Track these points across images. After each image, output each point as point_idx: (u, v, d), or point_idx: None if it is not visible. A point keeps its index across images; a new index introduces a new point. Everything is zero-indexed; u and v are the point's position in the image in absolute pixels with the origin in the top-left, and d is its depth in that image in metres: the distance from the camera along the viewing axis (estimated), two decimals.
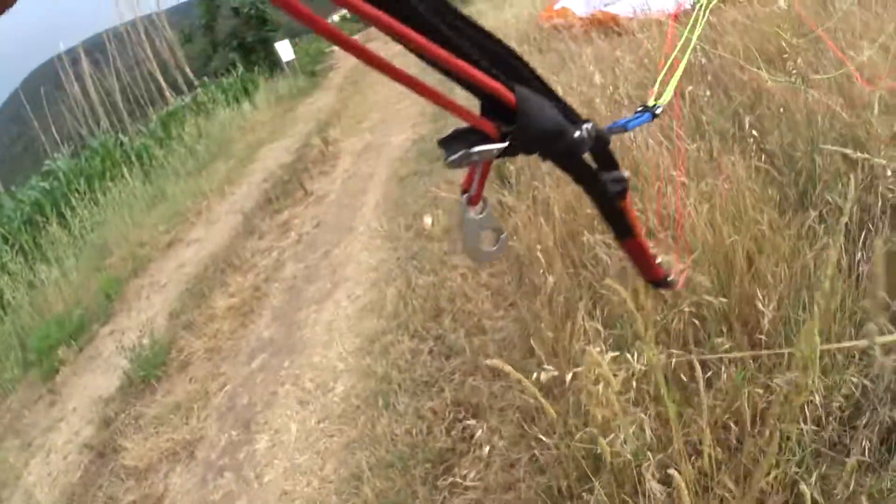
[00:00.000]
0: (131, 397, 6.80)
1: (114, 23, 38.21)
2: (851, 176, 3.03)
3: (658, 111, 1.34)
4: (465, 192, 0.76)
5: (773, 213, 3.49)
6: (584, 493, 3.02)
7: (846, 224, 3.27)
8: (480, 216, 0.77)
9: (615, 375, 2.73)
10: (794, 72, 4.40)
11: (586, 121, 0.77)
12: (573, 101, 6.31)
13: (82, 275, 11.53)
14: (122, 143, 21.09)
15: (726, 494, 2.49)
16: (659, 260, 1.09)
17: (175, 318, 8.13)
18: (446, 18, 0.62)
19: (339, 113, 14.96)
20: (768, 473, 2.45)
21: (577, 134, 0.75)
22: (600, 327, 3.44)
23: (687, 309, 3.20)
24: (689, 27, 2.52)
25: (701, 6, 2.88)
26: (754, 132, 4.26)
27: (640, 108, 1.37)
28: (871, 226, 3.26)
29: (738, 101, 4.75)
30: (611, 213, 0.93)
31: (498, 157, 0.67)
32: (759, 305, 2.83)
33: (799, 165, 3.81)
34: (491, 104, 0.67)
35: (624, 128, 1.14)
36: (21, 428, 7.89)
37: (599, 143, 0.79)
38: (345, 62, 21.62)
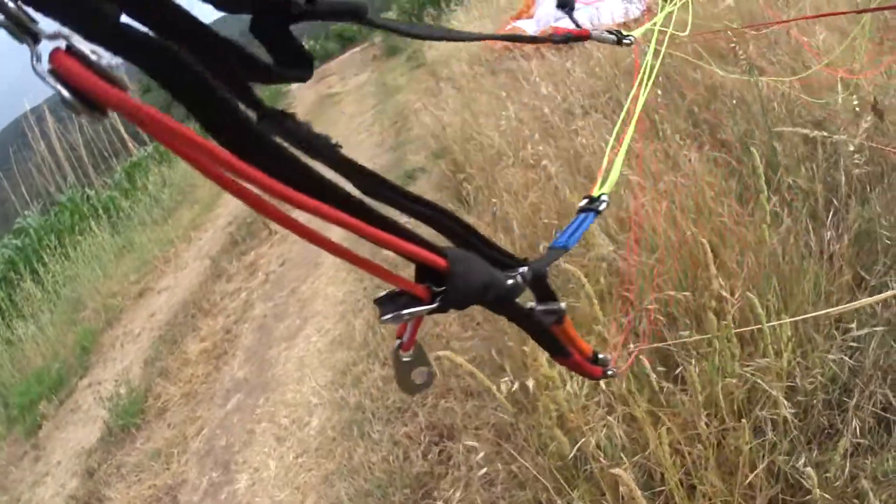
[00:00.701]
0: (112, 447, 6.72)
1: None
2: (817, 155, 3.05)
3: (602, 207, 1.33)
4: (399, 338, 0.80)
5: (734, 204, 3.47)
6: None
7: (813, 204, 3.30)
8: (411, 358, 0.81)
9: (570, 377, 2.73)
10: (745, 61, 4.41)
11: (523, 263, 0.83)
12: (526, 116, 6.35)
13: (58, 329, 11.39)
14: (88, 197, 20.92)
15: (712, 491, 2.45)
16: (602, 356, 1.14)
17: (150, 365, 8.02)
18: (378, 192, 0.67)
19: None
20: (754, 466, 2.42)
21: (510, 282, 0.79)
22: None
23: (653, 307, 3.19)
24: (650, 53, 2.49)
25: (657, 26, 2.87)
26: (709, 127, 4.28)
27: (582, 205, 1.34)
28: (837, 203, 3.27)
29: (690, 98, 4.78)
30: (544, 340, 0.97)
31: (429, 314, 0.70)
32: (724, 293, 2.80)
33: (758, 154, 3.81)
34: (424, 267, 0.70)
35: (565, 247, 1.14)
36: (8, 484, 7.80)
37: (537, 279, 0.86)
38: (302, 101, 21.51)
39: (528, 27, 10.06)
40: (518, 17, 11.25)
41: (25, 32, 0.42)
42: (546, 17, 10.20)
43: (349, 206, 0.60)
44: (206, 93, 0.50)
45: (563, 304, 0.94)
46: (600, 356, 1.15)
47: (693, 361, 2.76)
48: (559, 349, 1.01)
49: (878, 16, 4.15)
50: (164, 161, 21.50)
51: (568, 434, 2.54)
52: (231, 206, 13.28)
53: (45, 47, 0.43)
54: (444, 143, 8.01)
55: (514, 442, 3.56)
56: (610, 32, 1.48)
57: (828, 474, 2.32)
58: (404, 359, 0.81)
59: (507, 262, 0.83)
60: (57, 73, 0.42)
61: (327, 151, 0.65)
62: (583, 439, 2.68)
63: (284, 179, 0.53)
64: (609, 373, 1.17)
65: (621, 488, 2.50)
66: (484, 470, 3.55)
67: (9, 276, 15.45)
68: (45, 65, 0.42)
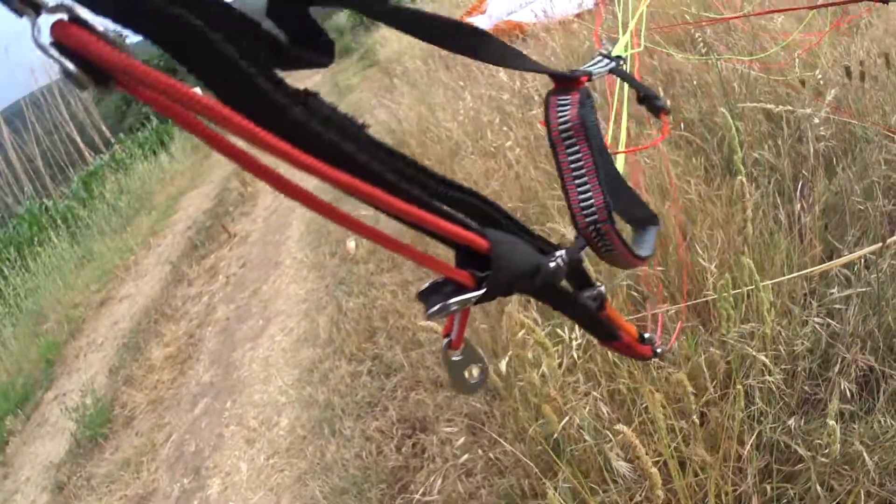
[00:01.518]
0: (81, 458, 6.53)
1: (31, 88, 37.51)
2: (782, 131, 2.99)
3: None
4: (446, 336, 0.74)
5: (699, 182, 3.44)
6: (547, 490, 2.90)
7: (780, 179, 3.27)
8: (462, 357, 0.76)
9: (553, 348, 2.62)
10: (704, 47, 4.37)
11: (557, 247, 0.78)
12: (483, 106, 6.26)
13: (21, 343, 11.14)
14: (47, 208, 20.63)
15: (701, 465, 2.36)
16: (647, 335, 1.11)
17: (115, 374, 7.81)
18: (413, 177, 0.61)
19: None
20: (742, 436, 2.35)
21: (552, 265, 0.75)
22: (538, 316, 3.28)
23: (625, 283, 3.11)
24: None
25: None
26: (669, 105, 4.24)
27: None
28: (806, 175, 3.24)
29: (648, 83, 4.71)
30: (593, 325, 0.94)
31: (476, 302, 0.65)
32: (702, 261, 2.74)
33: (720, 134, 3.76)
34: (465, 252, 0.65)
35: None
36: None
37: (573, 265, 0.80)
38: None
39: (481, 23, 9.97)
40: (470, 14, 11.17)
41: (26, 3, 0.39)
42: (498, 12, 10.17)
43: (383, 185, 0.55)
44: (229, 69, 0.45)
45: (602, 288, 0.89)
46: (646, 336, 1.12)
47: (670, 337, 2.70)
48: (608, 333, 0.97)
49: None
50: (121, 169, 21.19)
51: (548, 416, 2.41)
52: (190, 211, 13.11)
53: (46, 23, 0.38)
54: (400, 138, 7.89)
55: (489, 430, 3.47)
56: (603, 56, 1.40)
57: (819, 440, 2.26)
58: (454, 358, 0.75)
59: (543, 247, 0.77)
60: (60, 44, 0.38)
61: (353, 132, 0.57)
62: (565, 419, 2.56)
63: (314, 157, 0.49)
64: (658, 351, 1.15)
65: (614, 464, 2.41)
66: (461, 459, 3.45)
67: None
68: (46, 37, 0.38)
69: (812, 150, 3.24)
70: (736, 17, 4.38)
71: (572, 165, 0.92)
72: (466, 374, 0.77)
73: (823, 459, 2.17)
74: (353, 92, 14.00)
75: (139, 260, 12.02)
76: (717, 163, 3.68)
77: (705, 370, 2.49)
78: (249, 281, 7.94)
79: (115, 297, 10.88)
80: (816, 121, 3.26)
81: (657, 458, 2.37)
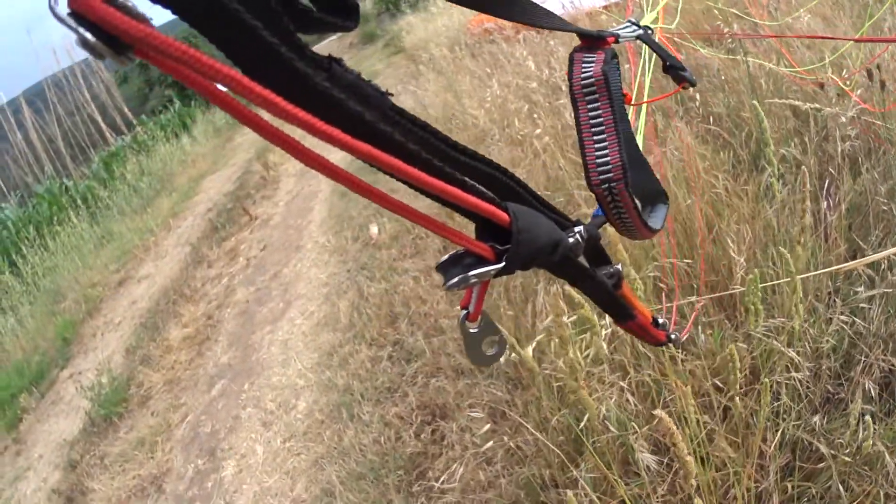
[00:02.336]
0: (95, 437, 6.55)
1: (53, 70, 37.63)
2: (809, 128, 2.96)
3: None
4: (464, 308, 0.75)
5: (726, 177, 3.40)
6: (568, 481, 2.86)
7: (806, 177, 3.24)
8: (479, 329, 0.77)
9: (581, 337, 2.58)
10: (731, 43, 4.34)
11: (577, 223, 0.80)
12: (510, 94, 6.23)
13: (38, 321, 11.19)
14: (67, 188, 20.63)
15: (725, 461, 2.33)
16: (661, 320, 1.12)
17: (132, 353, 7.85)
18: (437, 147, 0.63)
19: None
20: (765, 433, 2.32)
21: (571, 240, 0.76)
22: (564, 305, 3.23)
23: (651, 275, 3.08)
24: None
25: None
26: (695, 104, 4.22)
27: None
28: (833, 172, 3.21)
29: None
30: (609, 303, 0.94)
31: (496, 276, 0.66)
32: (732, 253, 2.72)
33: (748, 129, 3.74)
34: (485, 225, 0.67)
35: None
36: None
37: (590, 241, 0.82)
38: None
39: None
40: None
41: None
42: None
43: (405, 155, 0.55)
44: (250, 38, 0.45)
45: (619, 266, 0.91)
46: (660, 321, 1.12)
47: (699, 329, 2.69)
48: (624, 313, 0.98)
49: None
50: (142, 150, 21.25)
51: (572, 405, 2.39)
52: (211, 193, 13.13)
53: None
54: None
55: (510, 419, 3.44)
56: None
57: (840, 440, 2.25)
58: (472, 330, 0.76)
59: (562, 222, 0.79)
60: (78, 14, 0.37)
61: (377, 101, 0.59)
62: (590, 409, 2.53)
63: (336, 126, 0.48)
64: (672, 337, 1.15)
65: (638, 456, 2.39)
66: (481, 448, 3.43)
67: None
68: (64, 8, 0.37)
69: (839, 150, 3.21)
70: (770, 37, 4.34)
71: (592, 122, 0.90)
72: (484, 347, 0.77)
73: (845, 458, 2.16)
74: (378, 78, 13.95)
75: (159, 241, 12.06)
76: (745, 158, 3.66)
77: (737, 362, 2.45)
78: (270, 264, 7.94)
79: (134, 277, 10.93)
80: (843, 120, 3.25)
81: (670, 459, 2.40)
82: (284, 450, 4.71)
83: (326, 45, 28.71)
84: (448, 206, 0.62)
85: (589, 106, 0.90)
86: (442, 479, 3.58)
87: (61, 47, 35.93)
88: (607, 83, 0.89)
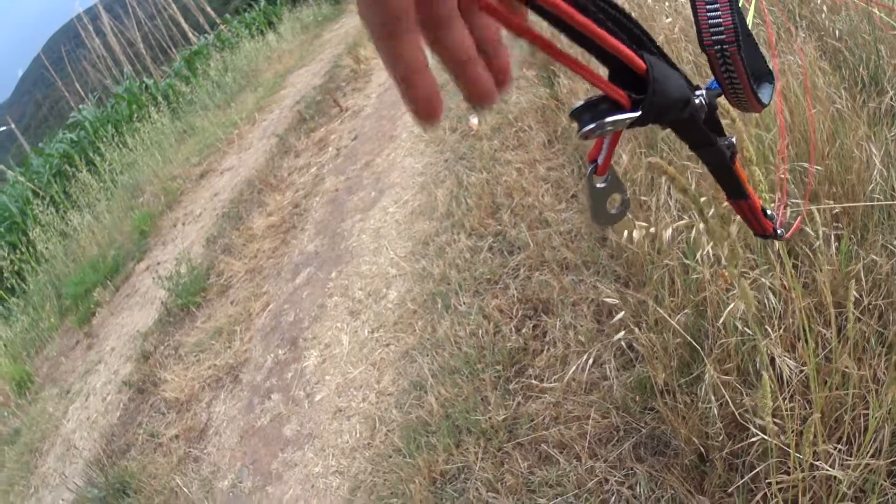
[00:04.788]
0: (170, 327, 6.63)
1: None
2: None
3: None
4: (592, 161, 0.77)
5: (847, 95, 3.23)
6: (684, 385, 2.73)
7: None
8: (606, 184, 0.79)
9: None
10: None
11: (698, 87, 0.79)
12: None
13: (115, 216, 11.42)
14: (147, 87, 20.90)
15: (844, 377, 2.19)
16: (769, 211, 1.11)
17: (212, 243, 7.93)
18: None
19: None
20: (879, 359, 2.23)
21: (696, 100, 0.76)
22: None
23: (783, 176, 2.85)
24: None
25: None
26: (806, 22, 4.01)
27: None
28: None
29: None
30: (726, 175, 0.96)
31: (629, 126, 0.67)
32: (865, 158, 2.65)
33: (867, 51, 3.55)
34: (618, 73, 0.66)
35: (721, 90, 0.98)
36: (59, 376, 7.82)
37: (710, 109, 0.82)
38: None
39: None
40: None
41: None
42: None
43: None
44: None
45: (734, 139, 0.90)
46: (769, 211, 1.11)
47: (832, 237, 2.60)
48: (739, 189, 0.99)
49: None
50: (226, 48, 21.35)
51: (743, 291, 2.19)
52: (298, 87, 13.07)
53: None
54: None
55: (619, 318, 3.26)
56: None
57: None
58: (599, 185, 0.79)
59: (688, 80, 0.76)
60: None
61: None
62: (725, 308, 2.39)
63: None
64: (779, 232, 1.14)
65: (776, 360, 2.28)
66: (587, 347, 3.26)
67: (64, 170, 15.54)
68: None
69: None
70: None
71: None
72: (608, 205, 0.80)
73: None
74: None
75: (243, 134, 12.13)
76: (864, 79, 3.43)
77: (863, 277, 2.39)
78: (361, 153, 7.84)
79: (217, 169, 11.03)
80: None
81: (801, 366, 2.28)
82: (372, 340, 4.63)
83: None
84: (587, 47, 0.61)
85: None
86: (542, 376, 3.49)
87: None
88: None
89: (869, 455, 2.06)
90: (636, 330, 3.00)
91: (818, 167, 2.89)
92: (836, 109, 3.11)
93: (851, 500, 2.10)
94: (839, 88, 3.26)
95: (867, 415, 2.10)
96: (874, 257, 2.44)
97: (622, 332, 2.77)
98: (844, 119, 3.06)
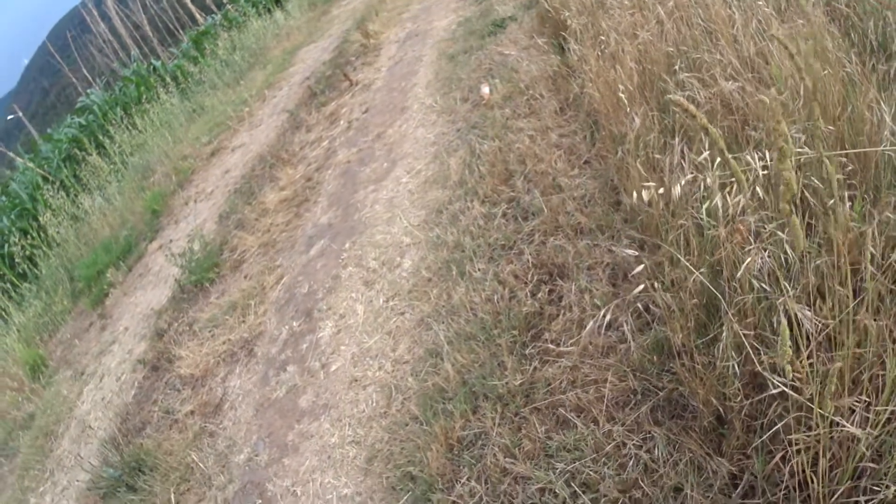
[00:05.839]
0: (184, 304, 6.66)
1: None
2: None
3: None
4: None
5: (856, 59, 3.19)
6: (702, 346, 2.71)
7: None
8: None
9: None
10: None
11: None
12: None
13: (126, 198, 11.43)
14: (155, 69, 20.87)
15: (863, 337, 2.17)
16: None
17: (225, 219, 7.96)
18: None
19: (376, 9, 14.24)
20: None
21: None
22: (705, 159, 2.97)
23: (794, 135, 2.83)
24: None
25: None
26: None
27: None
28: None
29: None
30: None
31: None
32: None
33: (875, 18, 3.51)
34: None
35: None
36: (72, 358, 7.85)
37: None
38: None
39: None
40: None
41: None
42: None
43: None
44: None
45: None
46: None
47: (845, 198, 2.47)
48: None
49: None
50: (234, 27, 21.29)
51: (794, 227, 2.15)
52: (308, 63, 13.05)
53: None
54: None
55: (635, 280, 3.36)
56: None
57: None
58: None
59: None
60: None
61: None
62: (741, 265, 2.34)
63: None
64: None
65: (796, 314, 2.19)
66: (602, 311, 3.26)
67: (73, 154, 15.51)
68: None
69: None
70: None
71: None
72: None
73: None
74: None
75: (253, 111, 12.13)
76: (873, 44, 3.40)
77: (877, 236, 2.28)
78: (373, 126, 7.85)
79: (227, 147, 11.04)
80: None
81: (825, 322, 2.21)
82: (387, 309, 4.65)
83: None
84: None
85: None
86: (558, 340, 3.50)
87: None
88: None
89: (887, 414, 2.06)
90: (652, 290, 2.98)
91: (830, 127, 2.86)
92: (846, 73, 3.09)
93: (870, 462, 2.10)
94: (849, 53, 3.23)
95: (884, 375, 2.09)
96: (889, 214, 2.40)
97: (640, 287, 2.74)
98: (854, 83, 3.05)
